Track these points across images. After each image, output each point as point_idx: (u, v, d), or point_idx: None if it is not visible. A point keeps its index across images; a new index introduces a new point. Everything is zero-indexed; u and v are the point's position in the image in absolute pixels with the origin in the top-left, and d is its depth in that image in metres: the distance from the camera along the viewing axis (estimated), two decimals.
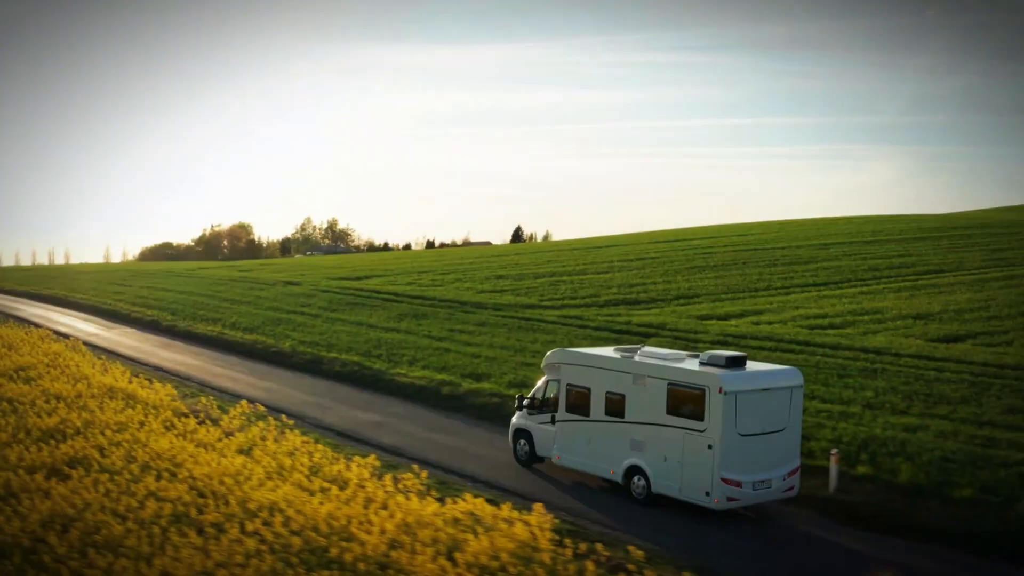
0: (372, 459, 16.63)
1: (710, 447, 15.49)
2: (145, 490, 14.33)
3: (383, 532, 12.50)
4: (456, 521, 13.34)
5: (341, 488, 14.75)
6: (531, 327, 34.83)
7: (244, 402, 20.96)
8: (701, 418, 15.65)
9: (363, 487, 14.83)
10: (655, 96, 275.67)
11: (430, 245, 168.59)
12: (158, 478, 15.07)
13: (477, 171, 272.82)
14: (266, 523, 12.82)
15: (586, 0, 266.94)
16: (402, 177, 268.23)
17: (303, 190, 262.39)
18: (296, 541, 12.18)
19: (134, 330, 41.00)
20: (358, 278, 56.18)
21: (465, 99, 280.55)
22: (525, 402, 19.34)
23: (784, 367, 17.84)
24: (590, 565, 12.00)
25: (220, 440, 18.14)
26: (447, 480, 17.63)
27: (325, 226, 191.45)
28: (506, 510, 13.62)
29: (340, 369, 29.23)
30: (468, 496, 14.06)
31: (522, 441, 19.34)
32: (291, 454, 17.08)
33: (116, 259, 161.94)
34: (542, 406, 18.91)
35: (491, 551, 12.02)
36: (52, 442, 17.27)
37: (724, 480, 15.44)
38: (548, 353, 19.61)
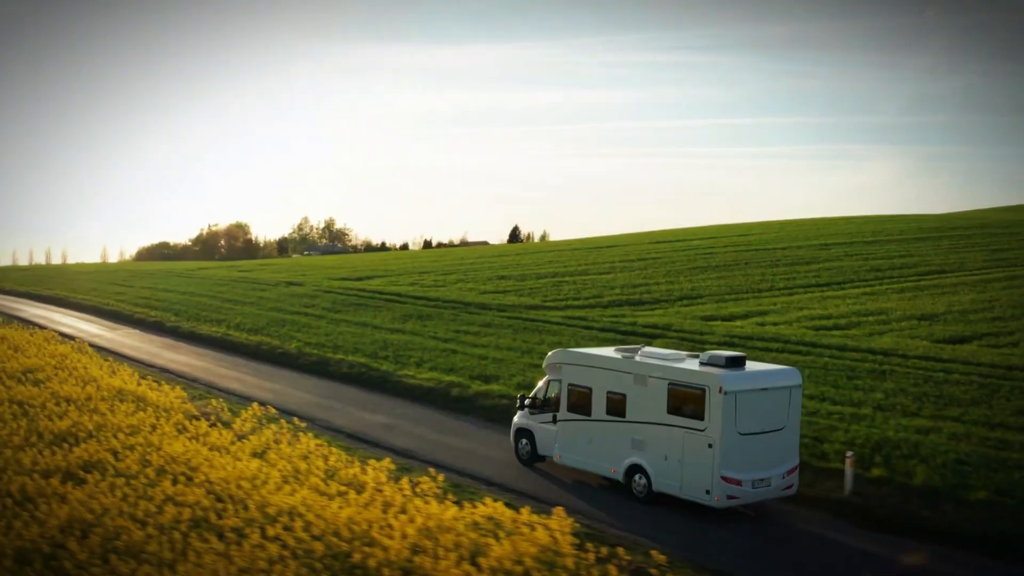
0: (387, 462, 16.59)
1: (710, 446, 15.73)
2: (162, 494, 14.27)
3: (405, 537, 12.47)
4: (476, 525, 13.32)
5: (358, 492, 14.72)
6: (536, 328, 34.82)
7: (255, 404, 20.92)
8: (701, 417, 15.88)
9: (380, 491, 14.79)
10: (655, 96, 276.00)
11: (427, 245, 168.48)
12: (174, 482, 15.02)
13: (475, 171, 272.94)
14: (287, 528, 12.78)
15: (586, 0, 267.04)
16: (400, 177, 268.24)
17: (301, 190, 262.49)
18: (318, 546, 12.14)
19: (137, 331, 40.90)
20: (360, 278, 56.12)
21: (464, 99, 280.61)
22: (527, 402, 19.57)
23: (783, 367, 18.08)
24: (612, 570, 11.98)
25: (233, 443, 18.09)
26: (461, 483, 17.60)
27: (322, 226, 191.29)
28: (525, 514, 13.63)
29: (347, 371, 29.19)
30: (488, 500, 14.03)
31: (524, 440, 19.56)
32: (305, 457, 17.05)
33: (113, 259, 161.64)
34: (544, 406, 19.16)
35: (514, 556, 12.00)
36: (65, 445, 17.19)
37: (724, 478, 15.67)
38: (550, 353, 19.76)
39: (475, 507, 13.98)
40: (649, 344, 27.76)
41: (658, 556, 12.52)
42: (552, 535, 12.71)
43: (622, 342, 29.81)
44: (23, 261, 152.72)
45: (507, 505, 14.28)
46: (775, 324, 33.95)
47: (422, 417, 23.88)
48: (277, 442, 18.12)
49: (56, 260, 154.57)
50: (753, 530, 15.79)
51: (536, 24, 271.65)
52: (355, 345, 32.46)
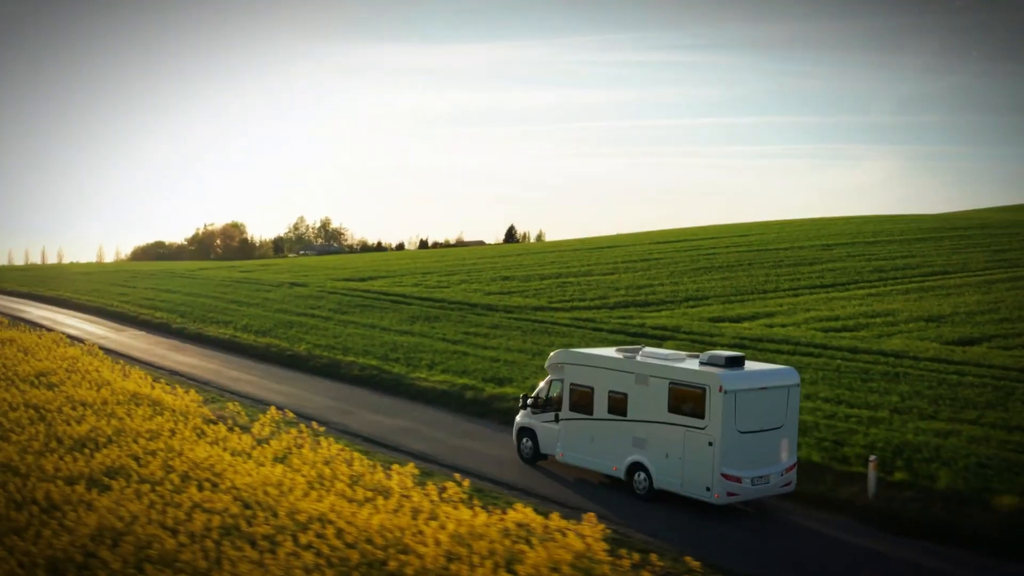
0: (411, 468, 16.54)
1: (711, 444, 16.08)
2: (189, 501, 14.18)
3: (438, 544, 12.43)
4: (507, 532, 13.29)
5: (385, 498, 14.67)
6: (545, 330, 34.80)
7: (273, 408, 20.84)
8: (702, 416, 16.22)
9: (408, 497, 14.76)
10: (651, 96, 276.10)
11: (423, 245, 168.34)
12: (200, 489, 14.94)
13: (471, 171, 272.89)
14: (319, 535, 12.72)
15: None
16: (396, 176, 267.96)
17: (297, 189, 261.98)
18: (353, 555, 12.09)
19: (143, 333, 40.74)
20: (362, 279, 56.03)
21: (461, 99, 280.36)
22: (529, 401, 19.92)
23: (781, 367, 18.48)
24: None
25: (254, 448, 18.02)
26: (483, 487, 17.55)
27: (318, 225, 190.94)
28: (556, 519, 13.61)
29: (359, 373, 29.12)
30: (519, 506, 14.00)
31: (526, 439, 19.90)
32: (327, 463, 16.98)
33: (109, 258, 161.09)
34: (546, 405, 19.48)
35: (550, 563, 11.99)
36: (86, 451, 17.09)
37: (724, 476, 16.01)
38: (552, 353, 20.05)
39: (505, 513, 13.97)
40: (660, 346, 27.81)
41: (692, 562, 12.51)
42: (585, 541, 12.70)
43: (632, 344, 29.84)
44: (19, 261, 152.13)
45: (536, 511, 14.23)
46: (783, 326, 34.01)
47: (438, 420, 23.83)
48: (299, 447, 18.06)
49: (52, 260, 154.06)
50: (753, 527, 16.12)
51: (534, 24, 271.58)
52: (365, 347, 32.38)
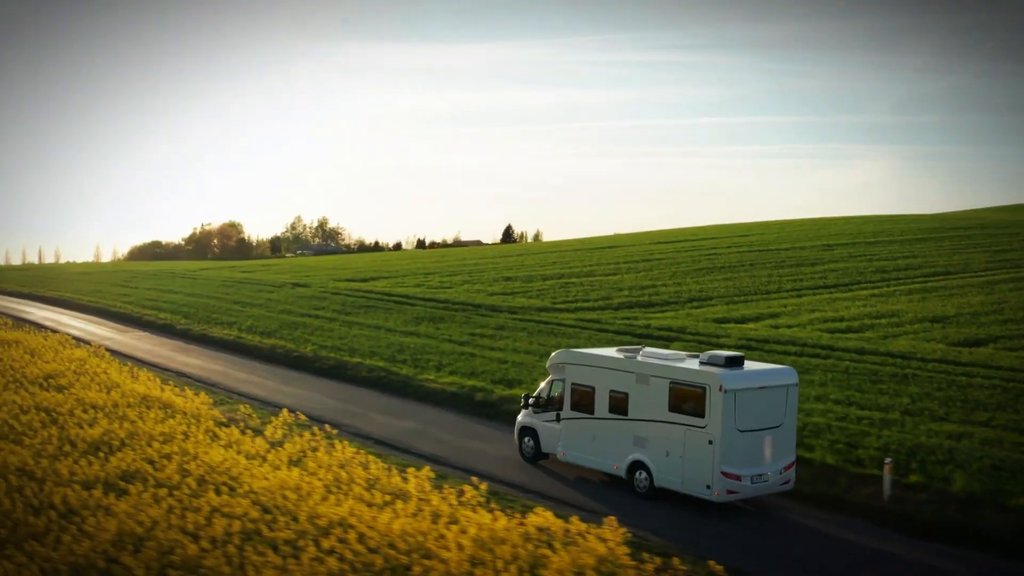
0: (427, 471, 16.51)
1: (711, 442, 16.33)
2: (208, 506, 14.14)
3: (461, 549, 12.42)
4: (528, 536, 13.27)
5: (404, 502, 14.65)
6: (551, 331, 34.79)
7: (285, 411, 20.79)
8: (702, 415, 16.49)
9: (427, 500, 14.73)
10: (650, 95, 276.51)
11: (421, 244, 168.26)
12: (218, 493, 14.90)
13: (468, 170, 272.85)
14: (341, 540, 12.70)
15: None
16: (394, 176, 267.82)
17: (294, 189, 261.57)
18: (377, 560, 12.07)
19: (147, 334, 40.62)
20: (364, 280, 55.95)
21: (460, 99, 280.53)
22: (531, 401, 20.16)
23: (780, 366, 18.77)
24: None
25: (268, 451, 17.97)
26: (497, 490, 17.52)
27: (315, 225, 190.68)
28: (576, 523, 13.60)
29: (366, 375, 29.08)
30: (540, 510, 13.99)
31: (527, 438, 20.13)
32: (342, 466, 16.95)
33: (106, 258, 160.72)
34: (547, 405, 19.71)
35: (573, 568, 11.99)
36: (100, 455, 17.04)
37: (724, 474, 16.28)
38: (553, 354, 20.28)
39: (525, 517, 13.96)
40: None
41: (715, 566, 12.51)
42: (607, 545, 12.70)
43: (634, 344, 29.86)
44: (16, 261, 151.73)
45: (556, 515, 14.23)
46: (788, 327, 34.05)
47: (448, 422, 23.81)
48: (313, 450, 18.02)
49: (49, 259, 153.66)
50: (752, 524, 16.41)
51: (534, 24, 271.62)
52: (371, 348, 32.34)
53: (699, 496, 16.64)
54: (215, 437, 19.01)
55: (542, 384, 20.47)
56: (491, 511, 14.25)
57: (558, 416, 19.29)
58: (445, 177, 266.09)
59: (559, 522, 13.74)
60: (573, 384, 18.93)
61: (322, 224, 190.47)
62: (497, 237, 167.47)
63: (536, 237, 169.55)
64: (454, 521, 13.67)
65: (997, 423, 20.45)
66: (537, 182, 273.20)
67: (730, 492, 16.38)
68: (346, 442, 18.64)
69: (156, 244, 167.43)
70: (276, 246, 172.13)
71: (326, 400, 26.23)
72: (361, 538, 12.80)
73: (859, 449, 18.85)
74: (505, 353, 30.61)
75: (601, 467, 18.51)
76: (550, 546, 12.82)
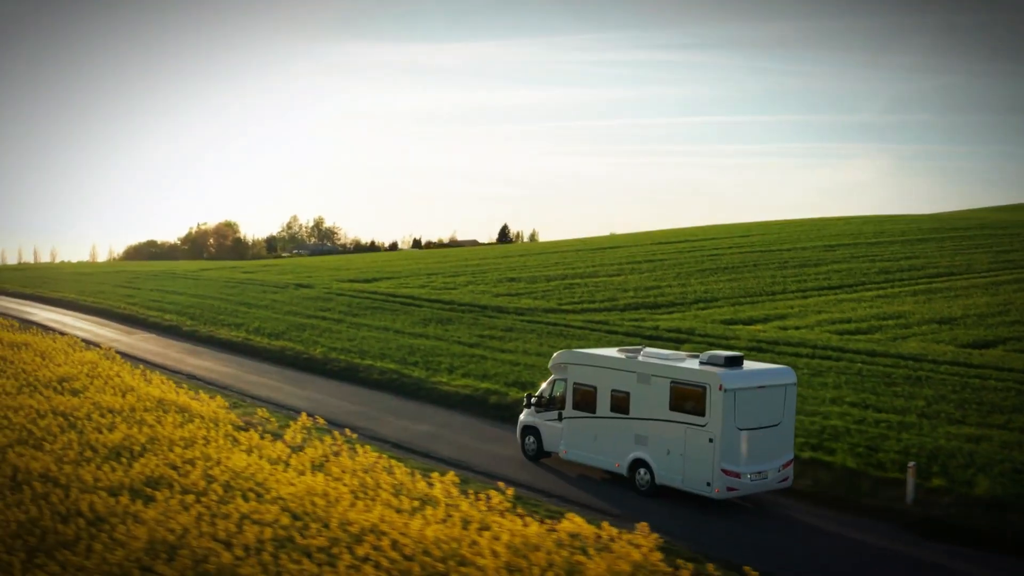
0: (452, 476, 16.47)
1: (711, 440, 16.71)
2: (237, 512, 14.07)
3: (496, 555, 12.40)
4: (561, 542, 13.26)
5: (433, 507, 14.62)
6: (559, 332, 34.79)
7: (304, 415, 20.74)
8: (702, 414, 16.90)
9: (456, 506, 14.70)
10: (645, 94, 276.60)
11: (417, 244, 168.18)
12: (245, 499, 14.83)
13: (465, 170, 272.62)
14: (376, 548, 12.66)
15: None
16: (391, 176, 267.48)
17: (290, 189, 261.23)
18: (413, 567, 12.03)
19: (154, 335, 40.46)
20: (367, 280, 55.87)
21: (456, 98, 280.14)
22: (533, 400, 20.50)
23: (778, 366, 19.23)
24: None
25: (290, 456, 17.91)
26: (520, 495, 17.50)
27: (311, 224, 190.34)
28: (607, 529, 13.58)
29: (378, 377, 29.02)
30: (572, 516, 13.98)
31: (530, 437, 20.51)
32: (366, 471, 16.90)
33: (102, 258, 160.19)
34: (549, 404, 20.09)
35: (609, 574, 11.97)
36: (123, 460, 16.95)
37: (724, 471, 16.69)
38: (555, 354, 20.64)
39: (557, 522, 13.93)
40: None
41: (751, 572, 12.51)
42: (641, 551, 12.69)
43: (634, 344, 29.88)
44: (12, 260, 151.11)
45: (589, 521, 14.21)
46: (797, 328, 34.13)
47: (464, 425, 23.80)
48: (335, 454, 17.96)
49: (44, 259, 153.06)
50: (751, 521, 16.83)
51: (527, 22, 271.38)
52: (381, 351, 32.28)
53: (699, 493, 17.04)
54: (235, 442, 18.93)
55: (543, 384, 20.83)
56: (518, 516, 14.24)
57: (560, 415, 19.64)
58: (440, 176, 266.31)
59: (591, 528, 13.72)
60: (575, 384, 19.29)
61: (318, 224, 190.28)
62: (493, 237, 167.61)
63: (532, 237, 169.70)
64: (485, 527, 13.63)
65: (1015, 426, 20.53)
66: (531, 181, 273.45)
67: (730, 489, 16.79)
68: (368, 446, 18.58)
69: (152, 244, 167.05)
70: (272, 246, 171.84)
71: (340, 403, 26.16)
72: (395, 545, 12.75)
73: (879, 452, 18.90)
74: (516, 355, 30.60)
75: (603, 465, 18.88)
76: (584, 552, 12.81)
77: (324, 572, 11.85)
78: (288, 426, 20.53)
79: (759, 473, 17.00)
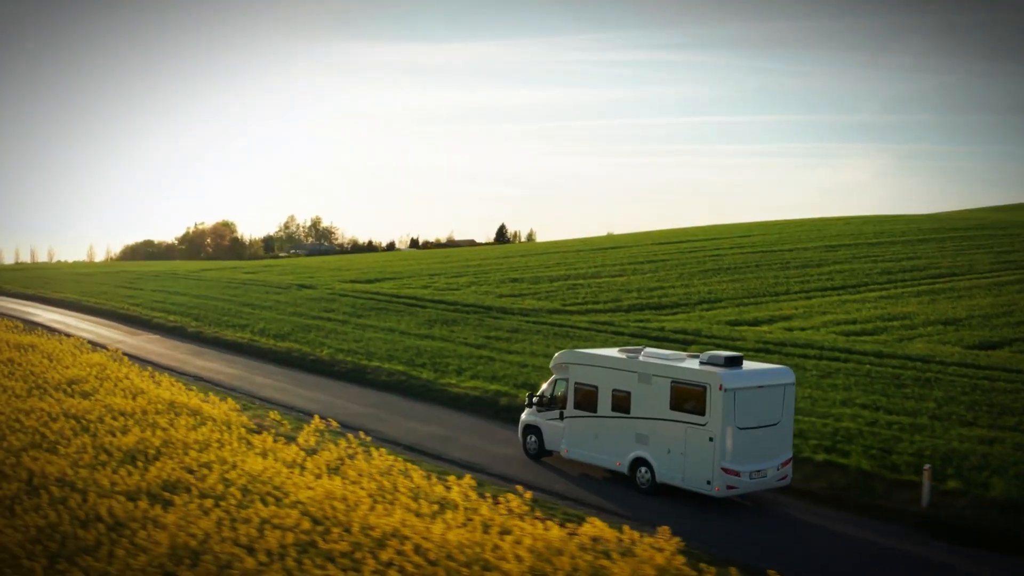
0: (468, 479, 16.46)
1: (711, 439, 16.93)
2: (257, 517, 14.03)
3: (520, 560, 12.40)
4: (584, 546, 13.26)
5: (453, 511, 14.60)
6: (565, 334, 34.79)
7: (316, 417, 20.71)
8: (703, 413, 17.16)
9: (475, 510, 14.68)
10: (643, 94, 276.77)
11: (414, 244, 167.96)
12: (264, 503, 14.79)
13: (461, 169, 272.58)
14: (399, 552, 12.64)
15: None
16: (387, 175, 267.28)
17: (288, 188, 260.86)
18: (438, 572, 12.02)
19: (159, 336, 40.34)
20: (369, 281, 55.81)
21: (453, 98, 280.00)
22: (534, 399, 20.75)
23: (777, 366, 19.49)
24: None
25: (305, 459, 17.87)
26: (537, 498, 17.48)
27: (308, 224, 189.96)
28: (628, 533, 13.59)
29: (386, 379, 28.99)
30: (594, 520, 13.99)
31: (531, 436, 20.79)
32: (383, 474, 16.87)
33: (100, 257, 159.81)
34: (550, 403, 20.36)
35: None
36: (139, 464, 16.90)
37: (724, 470, 16.94)
38: (557, 354, 20.88)
39: (579, 526, 13.94)
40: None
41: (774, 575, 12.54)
42: (664, 555, 12.69)
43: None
44: (9, 260, 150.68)
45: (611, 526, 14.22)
46: (803, 329, 34.18)
47: (475, 428, 23.79)
48: (351, 457, 17.93)
49: (42, 259, 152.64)
50: (751, 519, 17.07)
51: (524, 22, 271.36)
52: (388, 352, 32.25)
53: (699, 491, 17.30)
54: (249, 445, 18.89)
55: (544, 384, 21.06)
56: (538, 520, 14.23)
57: (561, 414, 19.88)
58: (440, 176, 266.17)
59: (613, 532, 13.73)
60: (576, 383, 19.53)
61: (315, 223, 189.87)
62: (490, 237, 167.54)
63: (529, 237, 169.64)
64: (506, 531, 13.63)
65: None
66: (531, 181, 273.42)
67: (730, 487, 17.03)
68: (383, 449, 18.57)
69: (149, 243, 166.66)
70: (269, 245, 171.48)
71: (349, 405, 26.13)
72: (418, 549, 12.75)
73: (893, 455, 18.93)
74: (523, 357, 30.60)
75: (604, 464, 19.12)
76: (607, 556, 12.81)
77: None
78: (301, 429, 20.49)
79: (758, 472, 17.24)
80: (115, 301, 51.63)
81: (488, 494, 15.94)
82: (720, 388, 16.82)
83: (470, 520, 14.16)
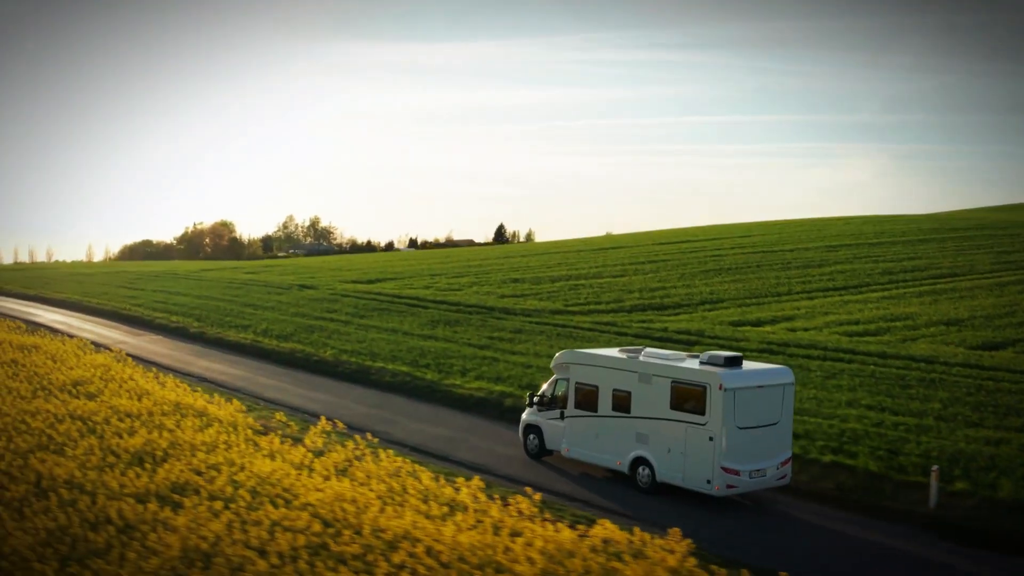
0: (477, 481, 16.48)
1: (711, 439, 17.04)
2: (267, 519, 14.03)
3: (532, 562, 12.40)
4: (595, 548, 13.26)
5: (462, 513, 14.60)
6: (569, 334, 34.79)
7: (323, 419, 20.70)
8: (703, 412, 17.28)
9: (485, 512, 14.68)
10: (641, 94, 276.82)
11: (413, 243, 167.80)
12: (274, 505, 14.77)
13: (460, 169, 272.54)
14: (411, 555, 12.64)
15: None
16: (385, 175, 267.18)
17: (287, 188, 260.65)
18: (452, 575, 12.03)
19: (161, 337, 40.29)
20: (370, 281, 55.76)
21: (452, 98, 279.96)
22: (535, 399, 20.85)
23: (777, 366, 19.59)
24: None
25: (312, 461, 17.85)
26: (547, 500, 17.46)
27: (307, 224, 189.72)
28: (638, 535, 13.59)
29: (390, 380, 28.98)
30: (605, 522, 13.99)
31: (532, 436, 20.92)
32: (392, 476, 16.86)
33: (98, 257, 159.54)
34: (551, 403, 20.48)
35: None
36: (147, 466, 16.88)
37: (724, 469, 17.06)
38: (558, 354, 21.01)
39: (588, 528, 13.94)
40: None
41: None
42: (676, 557, 12.70)
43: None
44: (8, 260, 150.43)
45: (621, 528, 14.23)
46: (806, 330, 34.19)
47: (480, 429, 23.78)
48: (358, 459, 17.93)
49: (40, 259, 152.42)
50: (751, 517, 17.22)
51: (522, 22, 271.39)
52: (392, 353, 32.24)
53: (699, 490, 17.42)
54: (256, 446, 18.87)
55: (545, 384, 21.13)
56: (547, 522, 14.24)
57: (562, 414, 20.00)
58: (439, 176, 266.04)
59: (623, 534, 13.73)
60: (577, 383, 19.65)
61: (314, 223, 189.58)
62: (489, 236, 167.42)
63: (528, 237, 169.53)
64: (518, 533, 13.63)
65: None
66: (530, 181, 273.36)
67: (729, 487, 17.16)
68: (391, 451, 18.56)
69: (147, 243, 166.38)
70: (268, 245, 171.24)
71: (354, 406, 26.11)
72: (429, 552, 12.75)
73: (900, 456, 18.96)
74: (527, 357, 30.59)
75: (604, 463, 19.23)
76: (619, 558, 12.82)
77: None
78: (307, 430, 20.48)
79: (758, 471, 17.35)
80: (116, 301, 51.55)
81: (497, 496, 15.94)
82: (720, 388, 16.94)
83: (480, 522, 14.16)
